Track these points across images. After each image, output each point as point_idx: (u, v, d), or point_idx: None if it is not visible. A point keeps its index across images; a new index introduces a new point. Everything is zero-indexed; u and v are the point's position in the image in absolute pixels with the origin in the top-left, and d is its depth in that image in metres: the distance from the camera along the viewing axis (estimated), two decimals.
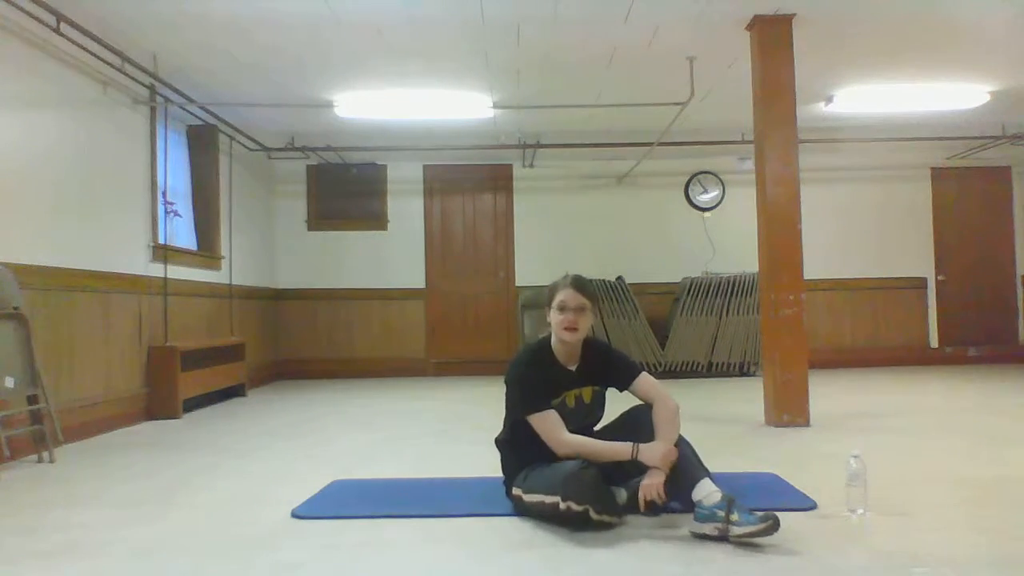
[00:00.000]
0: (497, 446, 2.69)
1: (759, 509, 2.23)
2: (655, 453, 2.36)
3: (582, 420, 2.63)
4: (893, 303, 8.14)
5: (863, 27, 4.90)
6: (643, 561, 2.11)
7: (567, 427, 2.56)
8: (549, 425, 2.48)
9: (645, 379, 2.60)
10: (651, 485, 2.33)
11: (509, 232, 8.16)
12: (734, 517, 2.20)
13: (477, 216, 8.19)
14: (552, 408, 2.51)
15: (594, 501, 2.32)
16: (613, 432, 2.62)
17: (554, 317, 2.55)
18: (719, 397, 5.83)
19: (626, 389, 2.62)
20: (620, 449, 2.41)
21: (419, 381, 7.56)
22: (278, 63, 5.39)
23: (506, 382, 2.61)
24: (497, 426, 2.72)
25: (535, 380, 2.53)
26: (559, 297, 2.55)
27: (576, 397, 2.60)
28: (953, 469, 3.20)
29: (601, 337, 7.17)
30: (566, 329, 2.52)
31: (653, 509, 2.39)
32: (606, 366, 2.63)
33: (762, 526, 2.17)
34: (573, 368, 2.61)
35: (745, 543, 2.19)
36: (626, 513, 2.47)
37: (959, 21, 4.86)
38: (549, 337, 2.63)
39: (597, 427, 2.70)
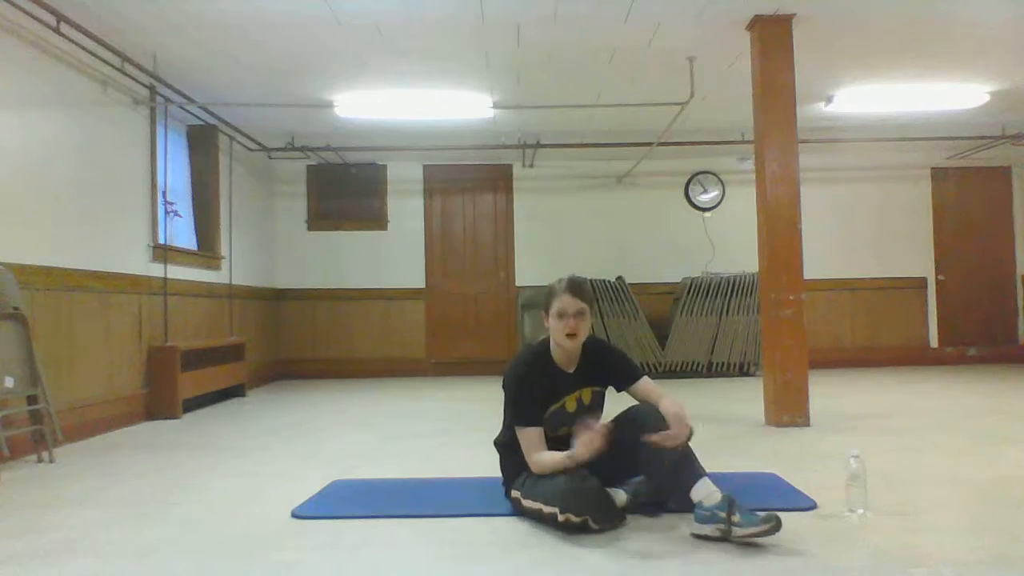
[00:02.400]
0: (496, 448, 2.69)
1: (760, 509, 2.23)
2: (582, 446, 2.34)
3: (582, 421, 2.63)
4: (893, 303, 8.14)
5: (863, 27, 4.90)
6: (643, 561, 2.11)
7: (567, 430, 2.57)
8: (530, 442, 2.48)
9: (647, 381, 2.59)
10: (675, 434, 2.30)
11: (509, 232, 8.16)
12: (736, 518, 2.19)
13: (477, 216, 8.19)
14: (540, 424, 2.50)
15: (593, 512, 2.32)
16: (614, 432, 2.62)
17: (553, 324, 2.54)
18: (719, 397, 5.83)
19: (625, 390, 2.61)
20: (563, 461, 2.39)
21: (419, 381, 7.56)
22: (278, 63, 5.39)
23: (503, 386, 2.61)
24: (496, 426, 2.72)
25: (530, 389, 2.52)
26: (557, 304, 2.52)
27: (576, 400, 2.59)
28: (953, 469, 3.20)
29: (601, 337, 7.15)
30: (567, 336, 2.51)
31: (647, 508, 2.39)
32: (606, 366, 2.63)
33: (765, 527, 2.17)
34: (572, 371, 2.60)
35: (747, 543, 2.19)
36: (626, 515, 2.47)
37: (959, 21, 4.86)
38: (547, 340, 2.62)
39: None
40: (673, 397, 2.51)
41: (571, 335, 2.50)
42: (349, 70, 5.57)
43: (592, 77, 5.83)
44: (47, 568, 2.18)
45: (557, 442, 2.52)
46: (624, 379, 2.60)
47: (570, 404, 2.57)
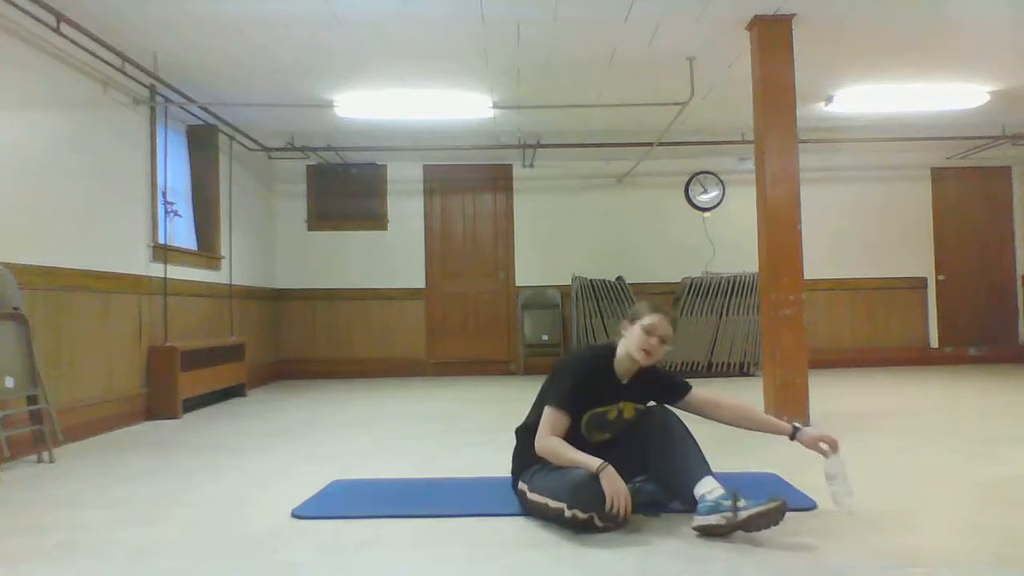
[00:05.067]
0: (516, 434, 2.68)
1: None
2: (614, 483, 2.32)
3: (615, 432, 2.63)
4: (893, 303, 8.14)
5: (863, 27, 4.90)
6: (644, 560, 2.11)
7: (601, 435, 2.59)
8: (553, 424, 2.48)
9: (700, 390, 2.66)
10: (824, 437, 2.42)
11: (509, 232, 8.15)
12: (741, 503, 2.21)
13: (477, 216, 8.19)
14: (572, 417, 2.50)
15: (600, 509, 2.32)
16: (628, 432, 2.61)
17: (635, 333, 2.53)
18: None
19: (679, 404, 2.65)
20: (588, 463, 2.38)
21: (419, 381, 7.56)
22: (278, 63, 5.39)
23: (555, 367, 2.62)
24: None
25: (583, 380, 2.54)
26: (651, 319, 2.52)
27: (619, 411, 2.60)
28: (952, 469, 3.20)
29: (601, 336, 7.17)
30: (644, 351, 2.52)
31: (649, 507, 2.39)
32: (657, 385, 2.66)
33: (771, 505, 2.18)
34: (625, 382, 2.61)
35: (749, 539, 2.19)
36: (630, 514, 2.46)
37: (959, 21, 4.86)
38: (612, 347, 2.63)
39: None
40: (725, 397, 2.61)
41: (647, 352, 2.51)
42: (349, 70, 5.57)
43: (592, 77, 5.83)
44: (47, 568, 2.18)
45: (589, 447, 2.51)
46: (676, 395, 2.66)
47: (612, 413, 2.59)
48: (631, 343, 2.54)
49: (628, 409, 2.62)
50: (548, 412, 2.50)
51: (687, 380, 2.70)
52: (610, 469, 2.35)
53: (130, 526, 2.58)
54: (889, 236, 8.15)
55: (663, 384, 2.67)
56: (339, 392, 6.70)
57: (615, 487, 2.31)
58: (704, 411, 2.65)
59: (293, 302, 8.05)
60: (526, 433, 2.62)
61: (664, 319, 2.53)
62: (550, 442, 2.47)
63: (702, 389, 2.68)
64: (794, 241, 4.51)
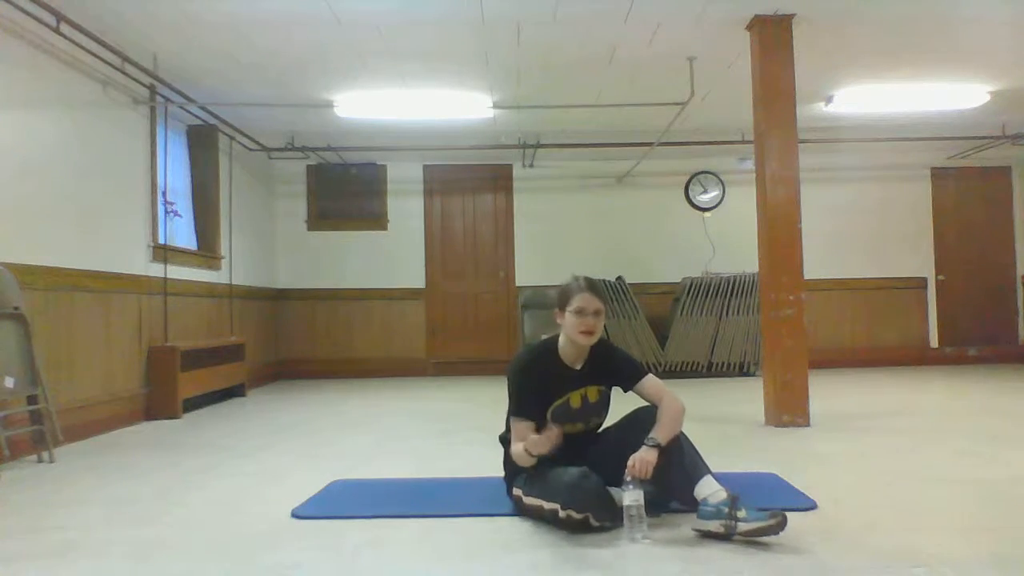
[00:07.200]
0: (501, 442, 2.69)
1: (765, 508, 2.23)
2: (537, 444, 2.36)
3: (588, 421, 2.63)
4: (893, 303, 8.14)
5: (863, 27, 4.91)
6: (643, 560, 2.11)
7: (573, 426, 2.58)
8: (518, 434, 2.49)
9: (651, 380, 2.59)
10: (644, 460, 2.30)
11: (509, 232, 8.16)
12: (740, 514, 2.20)
13: (477, 216, 8.19)
14: (533, 419, 2.51)
15: (595, 509, 2.32)
16: (618, 433, 2.62)
17: (569, 320, 2.53)
18: (719, 397, 5.83)
19: (631, 390, 2.60)
20: (519, 447, 2.42)
21: (419, 381, 7.56)
22: (278, 63, 5.39)
23: (507, 377, 2.61)
24: (497, 425, 2.72)
25: (530, 382, 2.53)
26: (576, 302, 2.52)
27: (582, 397, 2.59)
28: (953, 469, 3.20)
29: (605, 338, 7.15)
30: (583, 333, 2.51)
31: (649, 507, 2.37)
32: (611, 366, 2.63)
33: (771, 522, 2.17)
34: (578, 368, 2.60)
35: (749, 541, 2.20)
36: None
37: (959, 21, 4.86)
38: (554, 337, 2.62)
39: (600, 429, 2.70)
40: (672, 397, 2.50)
41: (587, 332, 2.51)
42: (349, 70, 5.57)
43: (592, 77, 5.83)
44: (47, 568, 2.18)
45: (563, 439, 2.51)
46: (628, 379, 2.60)
47: (575, 400, 2.58)
48: (569, 331, 2.54)
49: (592, 392, 2.61)
50: (512, 424, 2.54)
51: (642, 366, 2.64)
52: (531, 437, 2.38)
53: (130, 526, 2.58)
54: (889, 236, 8.15)
55: (618, 366, 2.62)
56: (339, 392, 6.69)
57: (533, 442, 2.34)
58: (649, 402, 2.57)
59: (293, 302, 8.05)
60: (508, 443, 2.62)
61: (588, 295, 2.52)
62: (515, 451, 2.49)
63: (655, 381, 2.57)
64: (794, 241, 4.51)
